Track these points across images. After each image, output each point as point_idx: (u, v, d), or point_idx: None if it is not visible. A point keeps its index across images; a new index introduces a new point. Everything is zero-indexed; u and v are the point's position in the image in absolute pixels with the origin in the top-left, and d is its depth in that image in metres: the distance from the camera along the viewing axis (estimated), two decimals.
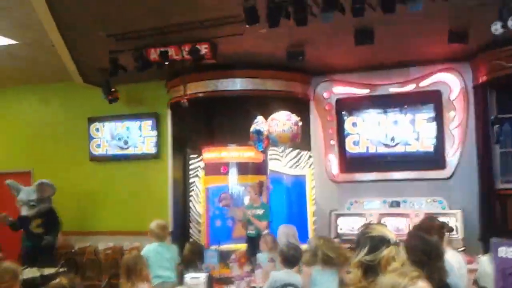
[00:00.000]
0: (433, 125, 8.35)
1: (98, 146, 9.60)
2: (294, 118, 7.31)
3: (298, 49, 7.24)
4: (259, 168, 8.76)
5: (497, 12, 5.70)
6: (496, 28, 5.75)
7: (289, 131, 7.17)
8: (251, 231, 7.23)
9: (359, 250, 2.53)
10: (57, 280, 3.43)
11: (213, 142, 9.02)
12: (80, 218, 9.41)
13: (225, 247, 7.42)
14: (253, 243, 6.87)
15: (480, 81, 7.93)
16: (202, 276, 4.68)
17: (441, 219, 4.96)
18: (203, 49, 7.08)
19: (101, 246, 9.16)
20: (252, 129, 7.50)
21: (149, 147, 9.35)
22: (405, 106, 8.50)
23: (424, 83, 8.43)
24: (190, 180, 9.10)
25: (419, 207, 8.04)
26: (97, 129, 9.60)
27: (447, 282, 3.00)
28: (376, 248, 2.47)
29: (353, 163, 8.80)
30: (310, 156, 9.02)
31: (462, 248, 7.03)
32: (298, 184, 9.05)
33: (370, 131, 8.70)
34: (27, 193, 8.01)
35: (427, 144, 8.40)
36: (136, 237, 8.49)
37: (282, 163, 8.96)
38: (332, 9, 5.48)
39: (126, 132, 9.47)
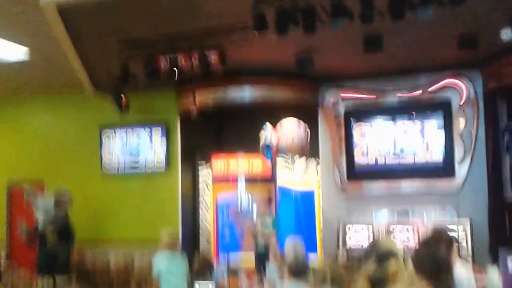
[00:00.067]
0: (442, 133, 8.25)
1: (110, 158, 9.64)
2: (303, 126, 7.30)
3: (307, 56, 7.23)
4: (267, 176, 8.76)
5: (507, 19, 5.67)
6: (506, 34, 5.72)
7: (297, 140, 7.17)
8: (260, 249, 7.37)
9: (366, 261, 2.52)
10: None
11: (222, 149, 9.03)
12: (91, 229, 9.42)
13: (234, 258, 7.48)
14: (261, 260, 6.99)
15: (490, 88, 7.86)
16: (211, 286, 4.69)
17: (450, 228, 4.92)
18: (212, 56, 7.12)
19: (112, 257, 9.21)
20: (261, 143, 7.51)
21: (159, 158, 9.36)
22: (413, 113, 8.41)
23: (433, 90, 8.34)
24: (200, 186, 9.12)
25: (428, 217, 7.96)
26: (108, 137, 9.65)
27: None
28: (384, 260, 2.46)
29: (361, 172, 8.68)
30: (318, 163, 8.99)
31: (471, 259, 6.96)
32: (307, 196, 9.03)
33: (379, 141, 8.59)
34: (44, 206, 8.18)
35: (436, 153, 8.27)
36: (147, 247, 8.49)
37: (291, 171, 8.95)
38: (341, 16, 5.48)
39: (137, 140, 9.48)
